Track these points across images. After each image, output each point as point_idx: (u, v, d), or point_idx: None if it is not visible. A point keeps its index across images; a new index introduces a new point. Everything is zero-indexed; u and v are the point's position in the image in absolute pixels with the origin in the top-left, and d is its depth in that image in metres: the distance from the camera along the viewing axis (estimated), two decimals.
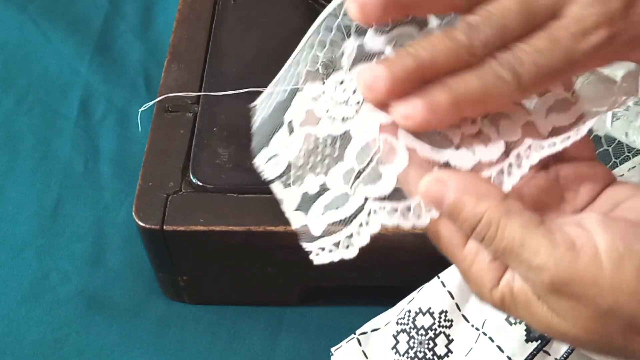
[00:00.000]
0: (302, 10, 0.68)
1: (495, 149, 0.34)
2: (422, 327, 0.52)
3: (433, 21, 0.34)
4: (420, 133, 0.33)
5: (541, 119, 0.35)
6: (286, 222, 0.54)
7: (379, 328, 0.54)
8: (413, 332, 0.52)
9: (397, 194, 0.33)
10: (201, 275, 0.61)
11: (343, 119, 0.35)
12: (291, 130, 0.36)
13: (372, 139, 0.33)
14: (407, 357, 0.52)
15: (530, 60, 0.31)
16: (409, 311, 0.52)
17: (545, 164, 0.35)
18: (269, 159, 0.36)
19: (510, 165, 0.33)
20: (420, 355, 0.52)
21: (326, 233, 0.33)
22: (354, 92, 0.34)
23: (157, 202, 0.56)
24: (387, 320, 0.53)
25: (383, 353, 0.53)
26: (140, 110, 0.62)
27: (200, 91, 0.63)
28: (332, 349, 0.55)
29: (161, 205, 0.56)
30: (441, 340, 0.51)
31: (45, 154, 0.74)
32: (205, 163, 0.58)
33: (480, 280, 0.33)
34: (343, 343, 0.54)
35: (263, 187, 0.58)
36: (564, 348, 0.45)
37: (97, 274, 0.65)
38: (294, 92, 0.37)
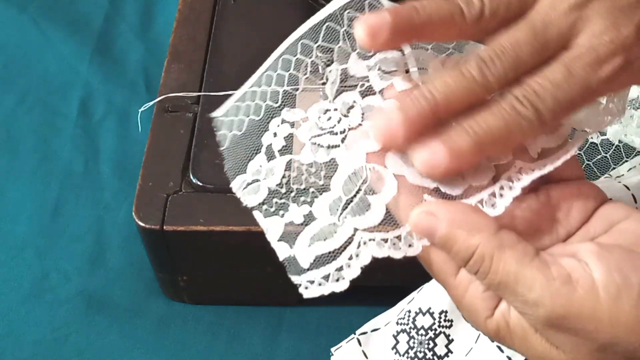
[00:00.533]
0: (302, 10, 0.68)
1: (485, 173, 0.33)
2: (422, 327, 0.52)
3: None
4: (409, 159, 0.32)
5: (530, 141, 0.34)
6: None
7: (379, 328, 0.54)
8: (413, 332, 0.52)
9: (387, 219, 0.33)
10: (201, 275, 0.61)
11: (328, 146, 0.34)
12: (270, 156, 0.35)
13: (359, 167, 0.33)
14: (407, 357, 0.52)
15: (549, 95, 0.30)
16: (409, 311, 0.52)
17: (535, 186, 0.34)
18: (247, 185, 0.35)
19: (501, 187, 0.33)
20: (420, 355, 0.52)
21: (314, 265, 0.32)
22: (339, 121, 0.34)
23: (157, 202, 0.56)
24: (387, 320, 0.53)
25: (383, 353, 0.53)
26: (140, 110, 0.62)
27: (200, 91, 0.63)
28: (332, 349, 0.55)
29: (161, 205, 0.56)
30: (441, 340, 0.51)
31: (45, 154, 0.73)
32: (205, 163, 0.58)
33: (474, 309, 0.33)
34: (343, 343, 0.54)
35: None
36: None
37: (97, 274, 0.65)
38: (270, 112, 0.36)
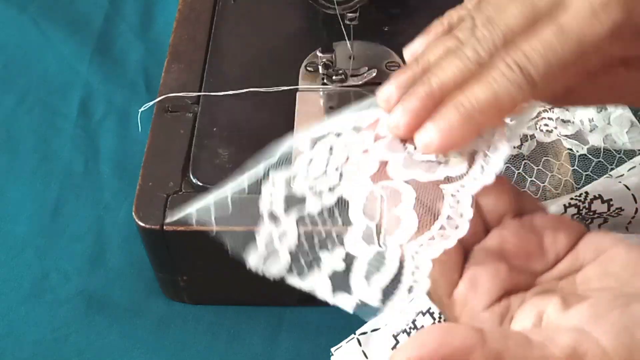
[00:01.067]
0: (302, 10, 0.68)
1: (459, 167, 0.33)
2: (422, 327, 0.52)
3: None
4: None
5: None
6: None
7: (379, 328, 0.54)
8: (413, 333, 0.52)
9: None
10: (201, 275, 0.61)
11: (330, 188, 0.34)
12: (276, 221, 0.34)
13: (370, 192, 0.33)
14: None
15: (538, 55, 0.30)
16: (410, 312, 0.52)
17: (518, 212, 0.34)
18: (266, 260, 0.34)
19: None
20: None
21: (385, 298, 0.31)
22: (327, 162, 0.34)
23: (157, 202, 0.56)
24: (387, 321, 0.53)
25: (383, 353, 0.53)
26: (140, 110, 0.62)
27: (200, 91, 0.63)
28: (332, 349, 0.55)
29: (161, 205, 0.56)
30: None
31: (45, 154, 0.73)
32: (205, 163, 0.58)
33: None
34: (343, 343, 0.54)
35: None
36: None
37: (97, 274, 0.65)
38: (256, 184, 0.36)
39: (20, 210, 0.69)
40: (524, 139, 0.59)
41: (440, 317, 0.51)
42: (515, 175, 0.58)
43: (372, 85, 0.62)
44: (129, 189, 0.69)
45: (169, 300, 0.63)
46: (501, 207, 0.35)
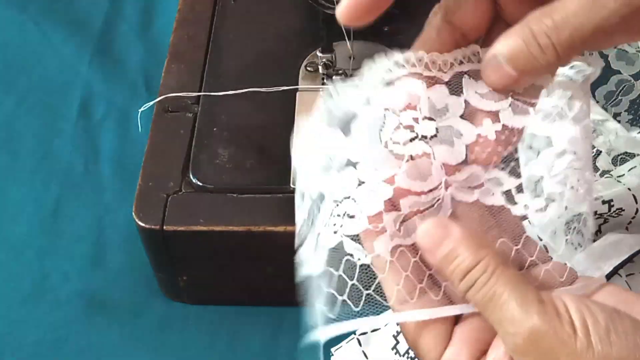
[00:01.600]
0: (302, 10, 0.68)
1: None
2: None
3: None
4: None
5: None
6: (286, 222, 0.55)
7: (379, 328, 0.54)
8: None
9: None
10: (201, 275, 0.61)
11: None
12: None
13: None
14: (408, 358, 0.52)
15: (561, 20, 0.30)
16: None
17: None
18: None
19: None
20: None
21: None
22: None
23: (157, 202, 0.56)
24: (387, 321, 0.53)
25: (383, 353, 0.53)
26: (140, 110, 0.62)
27: (200, 91, 0.63)
28: (332, 349, 0.55)
29: (161, 206, 0.56)
30: None
31: (45, 154, 0.73)
32: (205, 163, 0.58)
33: None
34: (343, 343, 0.54)
35: (263, 187, 0.58)
36: None
37: (97, 275, 0.65)
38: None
39: (20, 210, 0.69)
40: None
41: None
42: None
43: None
44: (129, 189, 0.69)
45: (169, 300, 0.63)
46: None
